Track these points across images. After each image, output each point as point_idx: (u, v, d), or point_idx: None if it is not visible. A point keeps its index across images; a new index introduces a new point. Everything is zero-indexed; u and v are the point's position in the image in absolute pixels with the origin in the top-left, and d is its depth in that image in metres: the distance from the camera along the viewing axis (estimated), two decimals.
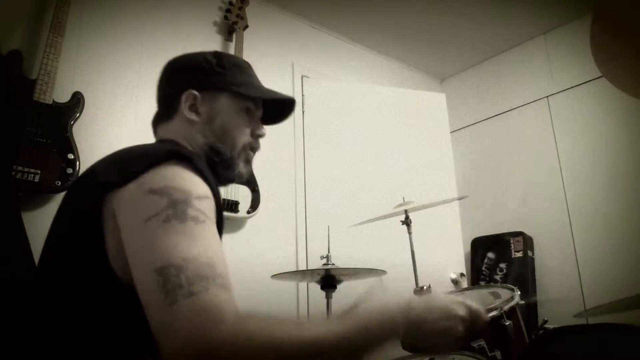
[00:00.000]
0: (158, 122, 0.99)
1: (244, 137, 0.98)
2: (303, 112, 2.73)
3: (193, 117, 0.93)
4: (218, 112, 0.95)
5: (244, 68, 1.01)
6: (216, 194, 0.78)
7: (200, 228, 0.68)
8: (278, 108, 1.06)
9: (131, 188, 0.71)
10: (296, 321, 0.71)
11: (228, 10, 2.42)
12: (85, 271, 0.73)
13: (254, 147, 1.00)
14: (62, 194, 1.65)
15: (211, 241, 0.69)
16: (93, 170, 0.83)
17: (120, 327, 0.72)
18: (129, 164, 0.75)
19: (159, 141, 0.96)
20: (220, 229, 0.79)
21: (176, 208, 0.68)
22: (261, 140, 1.06)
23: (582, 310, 0.96)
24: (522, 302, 1.38)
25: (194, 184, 0.73)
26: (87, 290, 0.72)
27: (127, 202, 0.71)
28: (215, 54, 0.98)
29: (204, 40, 2.37)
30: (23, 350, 0.74)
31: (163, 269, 0.62)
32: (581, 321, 1.11)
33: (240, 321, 0.61)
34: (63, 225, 0.83)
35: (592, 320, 1.04)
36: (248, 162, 1.00)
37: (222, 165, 0.95)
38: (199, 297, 0.60)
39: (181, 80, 0.95)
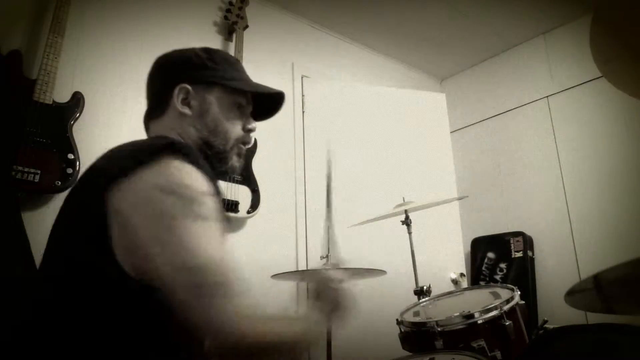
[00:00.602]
0: (149, 119, 0.99)
1: (236, 131, 0.99)
2: (303, 112, 2.73)
3: (186, 110, 0.94)
4: (210, 105, 0.96)
5: (234, 63, 1.03)
6: (215, 185, 0.80)
7: (212, 227, 0.74)
8: (268, 103, 1.07)
9: (136, 183, 0.72)
10: (285, 317, 0.84)
11: (228, 10, 2.42)
12: (92, 270, 0.73)
13: (245, 142, 1.01)
14: (63, 194, 1.66)
15: (223, 243, 0.74)
16: (93, 167, 0.84)
17: (130, 325, 0.72)
18: (129, 158, 0.75)
19: (154, 137, 0.96)
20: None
21: (190, 208, 0.72)
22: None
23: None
24: (522, 302, 1.38)
25: (196, 180, 0.76)
26: (96, 289, 0.72)
27: (136, 198, 0.72)
28: (206, 49, 1.00)
29: (204, 40, 2.37)
30: (27, 351, 0.74)
31: (198, 268, 0.68)
32: (581, 321, 1.11)
33: (257, 317, 0.72)
34: (65, 225, 0.82)
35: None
36: (240, 155, 1.01)
37: (215, 158, 0.96)
38: (234, 298, 0.69)
39: (173, 74, 0.96)
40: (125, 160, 0.75)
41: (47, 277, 0.79)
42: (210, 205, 0.75)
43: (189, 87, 0.94)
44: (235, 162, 0.99)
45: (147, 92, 1.01)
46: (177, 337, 0.73)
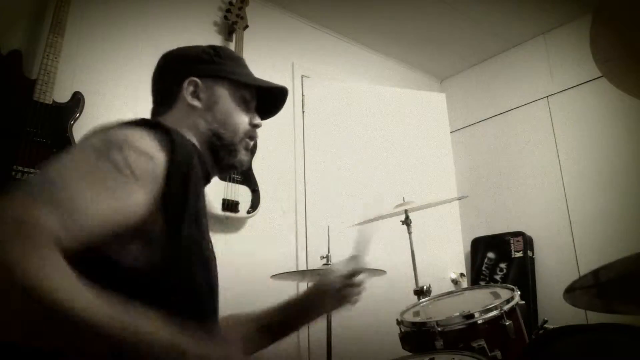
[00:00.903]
0: (156, 115, 0.99)
1: (243, 125, 0.99)
2: (303, 112, 2.73)
3: (195, 102, 0.95)
4: (219, 98, 0.97)
5: (238, 59, 1.06)
6: (171, 163, 0.74)
7: (114, 179, 0.65)
8: (270, 101, 1.07)
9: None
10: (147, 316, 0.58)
11: (228, 10, 2.42)
12: None
13: (252, 136, 1.02)
14: None
15: (113, 197, 0.64)
16: None
17: None
18: (104, 129, 0.76)
19: None
20: (188, 210, 0.75)
21: (106, 149, 0.67)
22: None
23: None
24: (522, 302, 1.38)
25: (138, 138, 0.72)
26: None
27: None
28: (211, 46, 1.02)
29: (204, 40, 2.34)
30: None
31: (46, 181, 0.60)
32: (581, 321, 1.11)
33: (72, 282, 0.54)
34: None
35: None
36: (247, 150, 1.01)
37: (224, 150, 0.97)
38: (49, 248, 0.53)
39: (181, 69, 0.98)
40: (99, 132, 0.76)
41: None
42: (131, 158, 0.67)
43: (197, 80, 0.96)
44: (243, 155, 1.00)
45: (153, 89, 1.02)
46: None
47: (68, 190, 0.60)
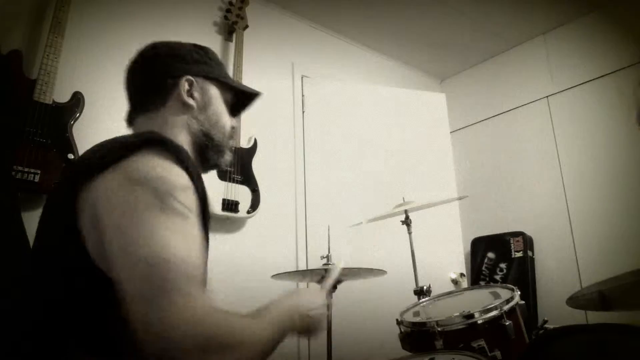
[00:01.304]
0: (138, 112, 0.96)
1: (228, 126, 1.02)
2: (303, 112, 2.73)
3: (191, 101, 0.95)
4: (211, 99, 0.98)
5: (222, 63, 1.07)
6: (197, 182, 0.78)
7: (186, 224, 0.70)
8: (241, 104, 1.10)
9: (109, 176, 0.72)
10: (245, 318, 0.74)
11: (228, 10, 2.42)
12: (67, 265, 0.73)
13: (232, 137, 1.04)
14: None
15: (195, 239, 0.71)
16: (73, 163, 0.85)
17: (105, 319, 0.71)
18: (104, 153, 0.76)
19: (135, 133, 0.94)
20: (206, 218, 0.80)
21: (162, 200, 0.69)
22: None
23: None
24: (522, 302, 1.38)
25: (174, 174, 0.74)
26: (72, 284, 0.72)
27: (107, 191, 0.71)
28: (199, 46, 1.02)
29: (204, 40, 2.34)
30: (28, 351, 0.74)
31: (156, 263, 0.63)
32: (581, 321, 1.11)
33: (215, 316, 0.65)
34: (44, 220, 0.84)
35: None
36: (231, 150, 1.04)
37: (213, 150, 0.98)
38: (190, 297, 0.63)
39: (176, 65, 0.96)
40: (102, 155, 0.76)
41: (34, 276, 0.80)
42: (182, 199, 0.71)
43: (193, 79, 0.96)
44: (228, 155, 1.02)
45: (138, 80, 0.97)
46: (117, 332, 0.68)
47: (178, 253, 0.65)
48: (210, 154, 0.98)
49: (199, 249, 0.70)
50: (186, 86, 0.95)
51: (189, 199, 0.73)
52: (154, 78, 0.96)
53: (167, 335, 0.59)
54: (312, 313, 0.88)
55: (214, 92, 0.99)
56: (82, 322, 0.71)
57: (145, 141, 0.76)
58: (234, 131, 1.04)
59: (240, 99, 1.08)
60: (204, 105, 0.97)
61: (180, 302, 0.61)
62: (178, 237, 0.67)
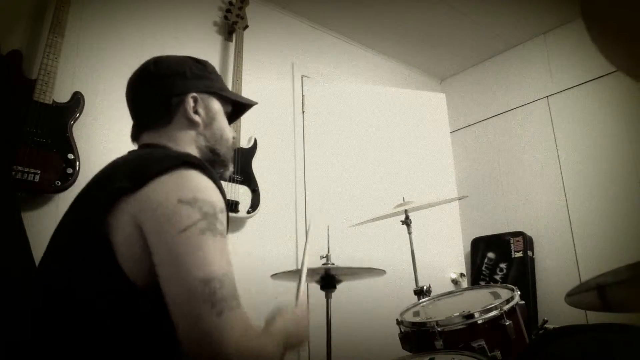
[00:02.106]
0: (145, 129, 0.96)
1: (230, 138, 1.04)
2: (303, 112, 2.73)
3: (197, 118, 0.96)
4: (215, 115, 1.00)
5: (220, 75, 1.08)
6: (226, 201, 0.82)
7: (224, 242, 0.76)
8: (236, 114, 1.13)
9: (152, 192, 0.73)
10: (268, 330, 0.83)
11: (228, 10, 2.41)
12: (96, 280, 0.72)
13: (234, 147, 1.07)
14: (63, 194, 1.66)
15: (229, 255, 0.76)
16: (104, 176, 0.83)
17: (141, 335, 0.73)
18: (143, 168, 0.76)
19: (155, 146, 0.94)
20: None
21: (208, 221, 0.73)
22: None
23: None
24: (522, 302, 1.38)
25: (216, 196, 0.78)
26: (102, 300, 0.72)
27: (151, 207, 0.72)
28: (198, 60, 1.02)
29: (204, 40, 2.37)
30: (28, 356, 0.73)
31: (208, 280, 0.69)
32: (581, 321, 1.11)
33: (248, 333, 0.72)
34: (70, 231, 0.82)
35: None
36: (232, 162, 1.06)
37: (219, 164, 1.01)
38: (238, 311, 0.71)
39: (179, 82, 0.96)
40: (139, 170, 0.76)
41: (47, 284, 0.78)
42: (223, 221, 0.76)
43: (197, 95, 0.96)
44: (231, 167, 1.05)
45: (139, 101, 0.98)
46: (161, 347, 0.74)
47: (222, 270, 0.72)
48: (216, 168, 0.99)
49: (231, 266, 0.75)
50: (191, 103, 0.95)
51: (225, 218, 0.78)
52: (159, 96, 0.95)
53: (222, 350, 0.66)
54: (300, 331, 0.92)
55: (217, 106, 1.01)
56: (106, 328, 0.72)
57: (183, 159, 0.79)
58: (234, 141, 1.06)
59: (237, 107, 1.10)
60: (209, 122, 0.98)
61: (232, 317, 0.69)
62: (223, 256, 0.73)
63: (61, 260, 0.79)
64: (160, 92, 0.95)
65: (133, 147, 0.99)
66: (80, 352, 0.70)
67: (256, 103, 1.13)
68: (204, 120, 0.97)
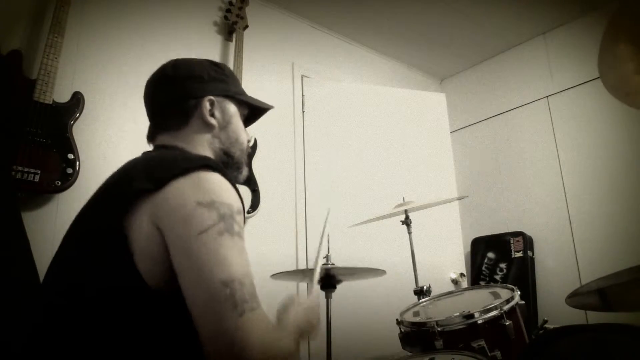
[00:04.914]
0: (161, 130, 0.98)
1: (246, 141, 1.04)
2: (303, 112, 2.73)
3: (213, 121, 0.97)
4: (231, 118, 1.01)
5: (236, 78, 1.08)
6: (243, 204, 0.83)
7: (242, 243, 0.76)
8: (253, 117, 1.14)
9: (171, 194, 0.74)
10: (282, 324, 0.85)
11: (228, 10, 2.41)
12: (110, 277, 0.73)
13: (249, 151, 1.07)
14: (63, 194, 1.66)
15: (247, 255, 0.77)
16: (123, 176, 0.83)
17: (158, 335, 0.73)
18: (162, 170, 0.77)
19: (170, 148, 0.95)
20: None
21: (226, 222, 0.73)
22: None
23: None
24: (522, 302, 1.38)
25: (233, 198, 0.78)
26: (112, 298, 0.72)
27: (171, 209, 0.73)
28: (215, 63, 1.03)
29: (204, 40, 2.37)
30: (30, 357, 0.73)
31: (229, 281, 0.69)
32: (581, 321, 1.11)
33: (267, 333, 0.73)
34: (84, 233, 0.82)
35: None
36: (247, 165, 1.07)
37: (233, 167, 1.01)
38: (259, 310, 0.71)
39: (196, 85, 0.97)
40: (159, 172, 0.77)
41: (60, 292, 0.78)
42: (240, 222, 0.77)
43: (214, 98, 0.97)
44: (246, 171, 1.06)
45: (157, 102, 0.99)
46: (182, 347, 0.74)
47: (241, 271, 0.73)
48: (230, 171, 0.99)
49: (249, 267, 0.76)
50: (208, 106, 0.96)
51: (242, 219, 0.79)
52: (176, 98, 0.97)
53: (247, 350, 0.67)
54: (312, 319, 0.93)
55: (233, 109, 1.01)
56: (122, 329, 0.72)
57: (202, 161, 0.80)
58: (249, 145, 1.06)
59: (253, 111, 1.10)
60: (225, 124, 0.99)
61: (254, 317, 0.69)
62: (241, 257, 0.74)
63: (76, 257, 0.79)
64: (177, 94, 0.97)
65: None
66: (84, 350, 0.70)
67: (272, 107, 1.13)
68: (219, 123, 0.98)
